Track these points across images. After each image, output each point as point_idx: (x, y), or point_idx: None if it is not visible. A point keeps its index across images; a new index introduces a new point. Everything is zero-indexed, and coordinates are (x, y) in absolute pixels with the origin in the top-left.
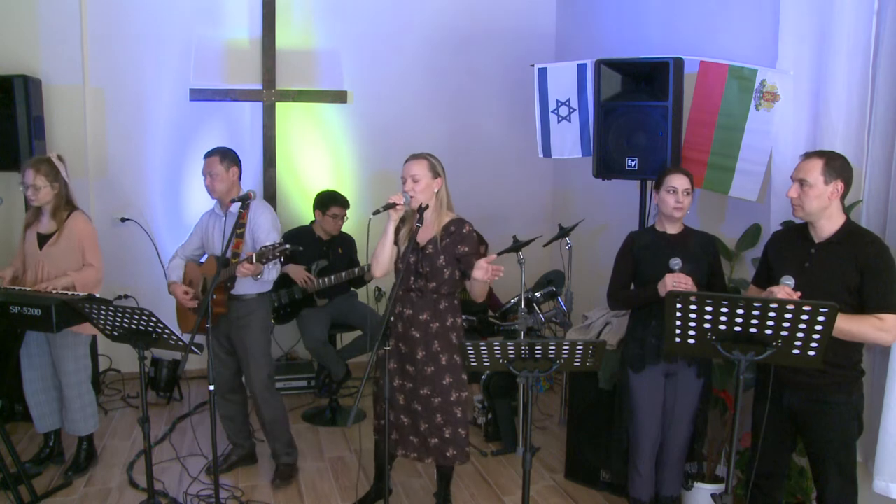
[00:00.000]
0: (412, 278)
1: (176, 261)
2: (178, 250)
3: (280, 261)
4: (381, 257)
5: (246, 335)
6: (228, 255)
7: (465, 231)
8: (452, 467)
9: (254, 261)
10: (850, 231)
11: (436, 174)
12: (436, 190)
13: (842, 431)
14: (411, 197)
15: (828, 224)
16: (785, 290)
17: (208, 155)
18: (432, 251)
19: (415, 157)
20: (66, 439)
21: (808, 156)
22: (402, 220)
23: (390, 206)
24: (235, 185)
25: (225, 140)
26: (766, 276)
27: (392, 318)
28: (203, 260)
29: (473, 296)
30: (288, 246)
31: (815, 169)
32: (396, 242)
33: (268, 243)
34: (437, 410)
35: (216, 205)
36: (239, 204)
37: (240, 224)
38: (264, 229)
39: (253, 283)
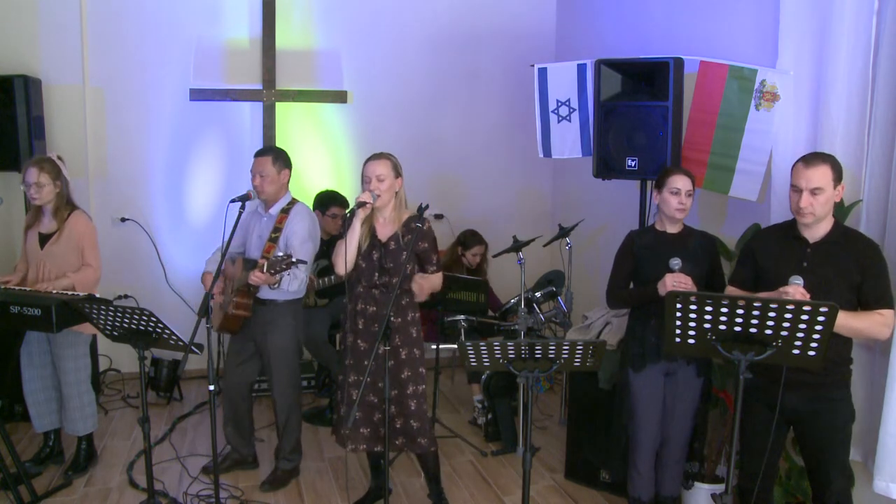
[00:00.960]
0: (376, 275)
1: (216, 254)
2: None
3: (306, 277)
4: (349, 254)
5: (270, 340)
6: (258, 257)
7: (424, 227)
8: (435, 465)
9: (264, 270)
10: (844, 231)
11: (397, 174)
12: (396, 189)
13: (842, 427)
14: (377, 196)
15: (824, 224)
16: (800, 290)
17: (260, 154)
18: (395, 247)
19: (377, 156)
20: (66, 439)
21: (811, 163)
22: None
23: (361, 206)
24: (284, 187)
25: (225, 140)
26: (753, 276)
27: (345, 315)
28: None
29: (416, 293)
30: (294, 259)
31: (826, 175)
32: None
33: (279, 254)
34: (392, 403)
35: (259, 205)
36: (280, 207)
37: (276, 228)
38: (299, 237)
39: (279, 290)
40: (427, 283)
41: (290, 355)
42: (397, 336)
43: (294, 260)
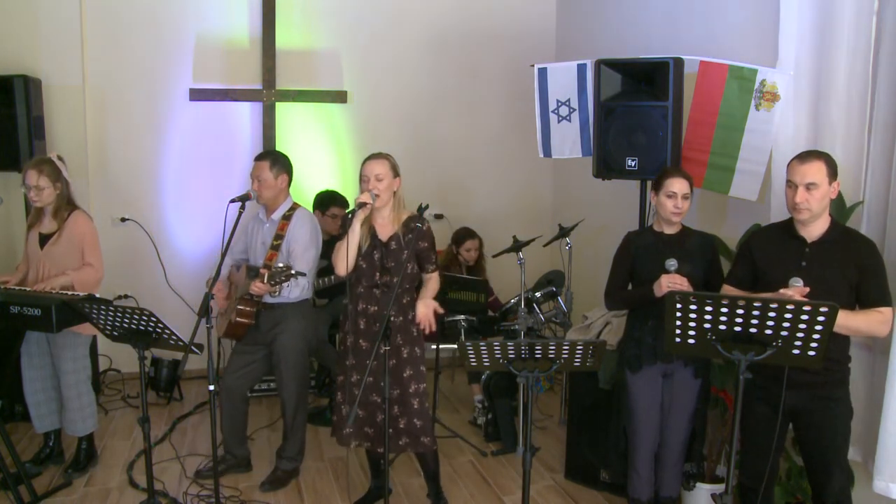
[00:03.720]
0: (377, 274)
1: (226, 260)
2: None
3: (309, 283)
4: (350, 254)
5: (280, 341)
6: (260, 265)
7: (424, 228)
8: (435, 464)
9: (265, 281)
10: (842, 229)
11: (396, 174)
12: (395, 189)
13: (842, 425)
14: (376, 195)
15: (821, 223)
16: (800, 291)
17: (258, 158)
18: (396, 247)
19: (376, 156)
20: (66, 439)
21: (805, 159)
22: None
23: (361, 206)
24: (283, 192)
25: (225, 140)
26: (751, 276)
27: (346, 315)
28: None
29: (422, 321)
30: (294, 271)
31: (821, 171)
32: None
33: (280, 265)
34: (395, 402)
35: (261, 211)
36: (282, 213)
37: (277, 235)
38: (301, 244)
39: (285, 293)
40: (429, 293)
41: (300, 356)
42: (399, 335)
43: (294, 272)
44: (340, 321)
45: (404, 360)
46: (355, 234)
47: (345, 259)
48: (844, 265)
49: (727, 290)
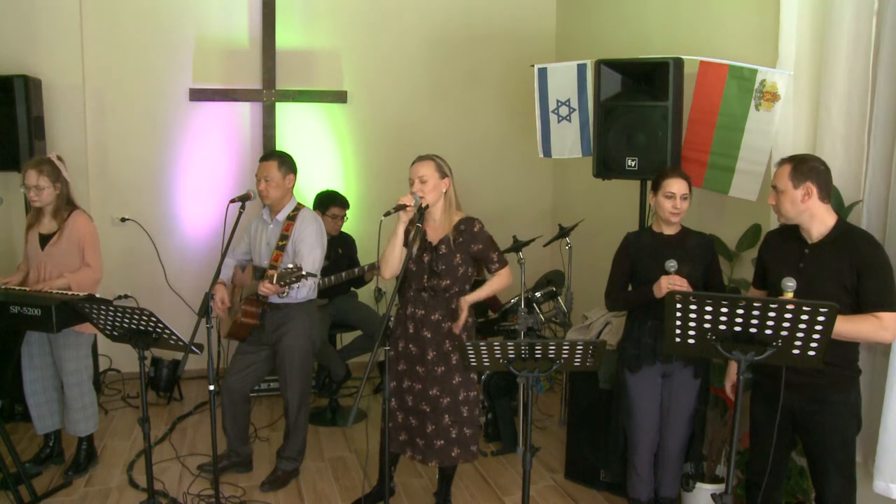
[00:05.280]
0: (425, 277)
1: (226, 261)
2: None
3: (315, 283)
4: (392, 259)
5: (285, 341)
6: (267, 265)
7: (475, 230)
8: (455, 467)
9: (274, 282)
10: (843, 231)
11: (443, 174)
12: (444, 190)
13: (841, 430)
14: (420, 198)
15: (817, 225)
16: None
17: (265, 158)
18: (446, 250)
19: (422, 158)
20: (66, 439)
21: (780, 162)
22: (411, 222)
23: (401, 208)
24: (289, 193)
25: (225, 140)
26: (763, 277)
27: (396, 319)
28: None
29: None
30: (305, 273)
31: (784, 175)
32: (405, 244)
33: (289, 265)
34: (446, 411)
35: (265, 211)
36: (286, 213)
37: (283, 236)
38: (308, 244)
39: (292, 293)
40: (474, 297)
41: (305, 356)
42: (447, 341)
43: (304, 273)
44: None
45: (454, 366)
46: (398, 237)
47: (386, 262)
48: (838, 267)
49: (752, 293)
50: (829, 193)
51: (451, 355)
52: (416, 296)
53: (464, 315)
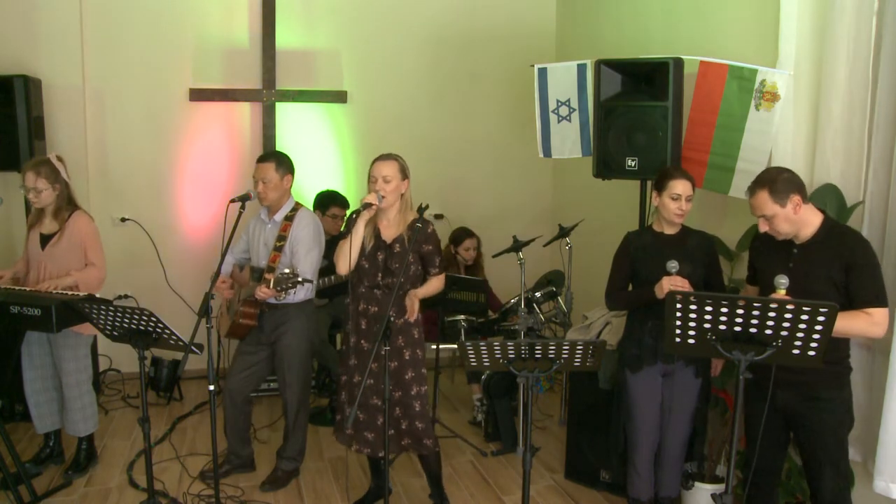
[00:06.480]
0: (379, 275)
1: (227, 259)
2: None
3: (313, 285)
4: (353, 254)
5: (283, 341)
6: (263, 266)
7: (429, 231)
8: (437, 465)
9: (270, 287)
10: (830, 229)
11: (404, 175)
12: (402, 191)
13: (835, 426)
14: (383, 197)
15: (805, 228)
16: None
17: (262, 160)
18: (400, 249)
19: (384, 157)
20: (66, 439)
21: (752, 191)
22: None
23: (367, 207)
24: (287, 193)
25: (225, 140)
26: (753, 276)
27: (349, 314)
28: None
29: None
30: (301, 279)
31: (765, 201)
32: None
33: (286, 270)
34: (397, 404)
35: (263, 211)
36: (284, 214)
37: (280, 237)
38: (305, 245)
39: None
40: (422, 292)
41: (304, 356)
42: (400, 337)
43: (300, 280)
44: (342, 320)
45: (406, 362)
46: (358, 234)
47: (346, 258)
48: (829, 265)
49: (748, 291)
50: (806, 191)
51: (404, 351)
52: (368, 293)
53: (416, 305)
